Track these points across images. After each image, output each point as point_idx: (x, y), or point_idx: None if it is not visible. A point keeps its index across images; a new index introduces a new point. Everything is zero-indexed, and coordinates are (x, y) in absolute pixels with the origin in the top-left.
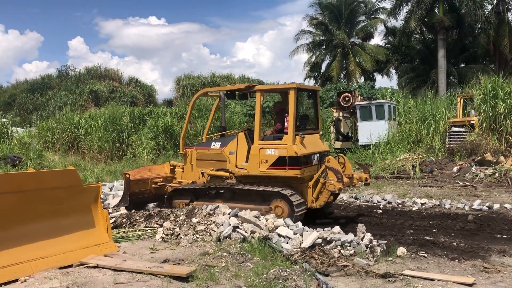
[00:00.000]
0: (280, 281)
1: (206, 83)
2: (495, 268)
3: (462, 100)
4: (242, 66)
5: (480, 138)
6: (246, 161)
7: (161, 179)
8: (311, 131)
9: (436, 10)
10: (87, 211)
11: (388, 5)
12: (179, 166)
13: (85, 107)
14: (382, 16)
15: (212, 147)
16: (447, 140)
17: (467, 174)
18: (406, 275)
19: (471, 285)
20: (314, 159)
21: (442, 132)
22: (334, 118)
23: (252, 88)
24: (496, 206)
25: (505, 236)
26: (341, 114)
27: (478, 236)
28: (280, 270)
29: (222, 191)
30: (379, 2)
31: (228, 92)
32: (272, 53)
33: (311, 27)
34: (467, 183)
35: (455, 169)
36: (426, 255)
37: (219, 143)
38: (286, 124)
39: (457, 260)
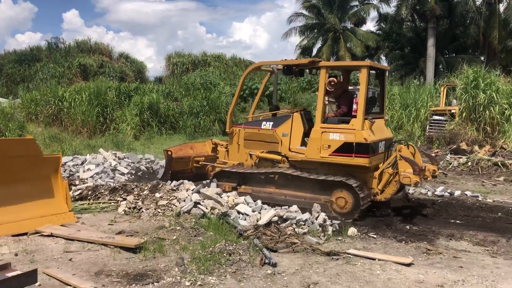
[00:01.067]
0: (225, 254)
1: (197, 62)
2: (437, 250)
3: (445, 89)
4: (239, 47)
5: (459, 128)
6: (301, 145)
7: (203, 158)
8: (377, 116)
9: None
10: (46, 181)
11: None
12: (222, 145)
13: (73, 80)
14: (375, 2)
15: (262, 127)
16: (427, 128)
17: (441, 161)
18: (349, 254)
19: (408, 265)
20: (380, 147)
21: (423, 120)
22: None
23: (315, 63)
24: (457, 192)
25: (458, 221)
26: (327, 98)
27: (433, 221)
28: (227, 244)
29: (276, 176)
30: None
31: (285, 67)
32: (269, 35)
33: (304, 9)
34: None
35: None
36: (375, 236)
37: (271, 123)
38: (355, 106)
39: (403, 242)
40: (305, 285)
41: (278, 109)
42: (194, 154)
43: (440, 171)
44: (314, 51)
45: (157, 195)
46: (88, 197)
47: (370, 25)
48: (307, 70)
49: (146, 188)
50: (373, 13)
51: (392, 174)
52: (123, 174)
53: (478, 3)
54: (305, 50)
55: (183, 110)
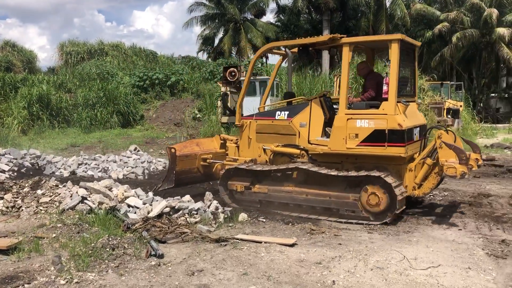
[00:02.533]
0: (107, 249)
1: (93, 51)
2: (321, 230)
3: (338, 79)
4: (140, 36)
5: None
6: (322, 135)
7: (211, 156)
8: (409, 99)
9: None
10: None
11: None
12: (231, 141)
13: None
14: None
15: (277, 118)
16: None
17: None
18: (237, 239)
19: (292, 245)
20: (415, 134)
21: None
22: (221, 93)
23: (336, 40)
24: None
25: None
26: (228, 89)
27: None
28: (110, 239)
29: (295, 173)
30: None
31: (300, 48)
32: (172, 24)
33: None
34: None
35: None
36: (264, 220)
37: (286, 113)
38: (386, 87)
39: (290, 224)
40: (190, 273)
41: (293, 96)
42: (201, 151)
43: None
44: (216, 41)
45: (39, 192)
46: None
47: (270, 17)
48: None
49: (26, 185)
50: (272, 5)
51: (431, 165)
52: (3, 171)
53: None
54: (206, 40)
55: (77, 102)
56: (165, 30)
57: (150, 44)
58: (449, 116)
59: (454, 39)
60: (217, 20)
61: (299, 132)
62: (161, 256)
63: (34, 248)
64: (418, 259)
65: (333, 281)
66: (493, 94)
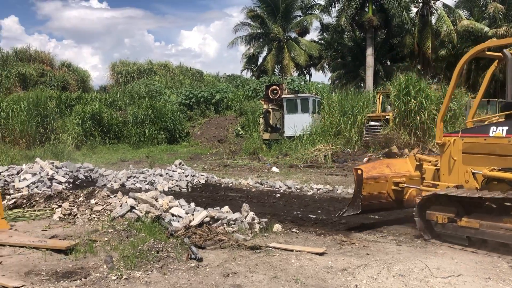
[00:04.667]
0: (153, 251)
1: (143, 70)
2: (351, 241)
3: (381, 96)
4: (188, 55)
5: (393, 132)
6: None
7: (404, 179)
8: None
9: (367, 9)
10: None
11: (323, 2)
12: (429, 162)
13: (12, 90)
14: (318, 12)
15: (491, 135)
16: (364, 133)
17: None
18: (270, 247)
19: (321, 254)
20: None
21: (360, 126)
22: (263, 110)
23: None
24: None
25: (377, 217)
26: (270, 106)
27: (354, 217)
28: (155, 243)
29: None
30: None
31: None
32: (218, 43)
33: (249, 19)
34: None
35: (364, 160)
36: (297, 231)
37: (505, 128)
38: None
39: (322, 235)
40: (225, 274)
41: None
42: (392, 174)
43: None
44: (260, 59)
45: (93, 201)
46: (23, 206)
47: (313, 35)
48: None
49: (81, 195)
50: (316, 23)
51: None
52: (60, 183)
53: (412, 15)
54: (250, 59)
55: (127, 119)
56: (211, 49)
57: (196, 63)
58: None
59: None
60: (261, 39)
61: None
62: (200, 260)
63: (89, 250)
64: (440, 268)
65: (356, 286)
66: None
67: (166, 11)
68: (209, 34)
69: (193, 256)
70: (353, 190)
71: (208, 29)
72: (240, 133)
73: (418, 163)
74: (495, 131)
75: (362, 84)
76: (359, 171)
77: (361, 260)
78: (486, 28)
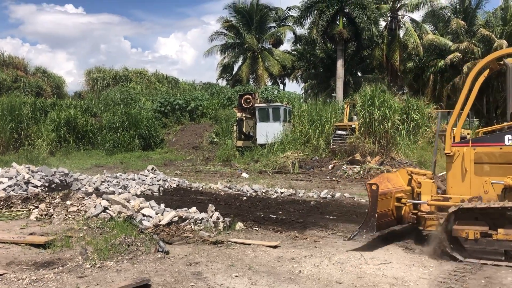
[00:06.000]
0: (124, 245)
1: (118, 77)
2: (303, 237)
3: (348, 106)
4: (165, 62)
5: (358, 141)
6: None
7: (402, 194)
8: None
9: (338, 22)
10: None
11: (296, 14)
12: (424, 175)
13: None
14: (291, 24)
15: (508, 143)
16: (331, 142)
17: (338, 171)
18: (231, 241)
19: (275, 247)
20: None
21: (327, 134)
22: (237, 118)
23: None
24: (338, 194)
25: (331, 217)
26: (243, 114)
27: (311, 217)
28: (126, 238)
29: None
30: (289, 10)
31: None
32: (195, 51)
33: (224, 29)
34: (333, 178)
35: (330, 166)
36: (258, 229)
37: None
38: None
39: (279, 232)
40: (188, 264)
41: None
42: (395, 189)
43: (334, 179)
44: (235, 69)
45: (68, 202)
46: (0, 207)
47: (287, 46)
48: None
49: (57, 196)
50: (290, 34)
51: None
52: (36, 186)
53: (381, 28)
54: (226, 68)
55: (102, 126)
56: (188, 56)
57: (173, 70)
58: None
59: (465, 68)
60: (236, 49)
61: None
62: (166, 253)
63: (65, 244)
64: (375, 258)
65: (299, 271)
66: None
67: (143, 18)
68: (187, 42)
69: (160, 249)
70: (367, 208)
71: (186, 37)
72: (215, 140)
73: (409, 177)
74: (511, 139)
75: (333, 94)
76: (374, 187)
77: (309, 252)
78: (450, 43)
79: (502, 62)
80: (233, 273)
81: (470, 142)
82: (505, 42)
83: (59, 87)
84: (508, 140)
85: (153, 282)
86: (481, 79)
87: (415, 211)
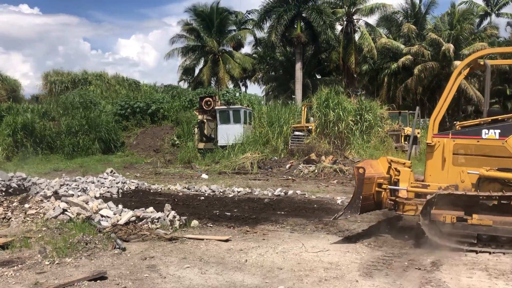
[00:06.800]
0: (82, 243)
1: (77, 80)
2: (254, 231)
3: (305, 108)
4: (126, 64)
5: (315, 141)
6: None
7: (385, 181)
8: None
9: (296, 26)
10: None
11: (256, 17)
12: (403, 164)
13: None
14: (251, 27)
15: (484, 137)
16: (290, 142)
17: (295, 170)
18: (185, 237)
19: (226, 240)
20: None
21: (286, 135)
22: (198, 121)
23: None
24: (290, 192)
25: (283, 212)
26: (204, 117)
27: (264, 213)
28: (84, 236)
29: None
30: (249, 14)
31: None
32: (157, 52)
33: (185, 32)
34: (289, 177)
35: (287, 166)
36: (212, 226)
37: (498, 131)
38: None
39: (232, 227)
40: (143, 258)
41: (501, 113)
42: (377, 175)
43: (290, 178)
44: (197, 71)
45: (27, 205)
46: None
47: (248, 49)
48: None
49: (15, 200)
50: (250, 38)
51: None
52: None
53: (337, 32)
54: (187, 71)
55: (60, 130)
56: (150, 58)
57: (135, 71)
58: (406, 142)
59: (416, 71)
60: (197, 52)
61: None
62: (123, 249)
63: (24, 244)
64: (315, 247)
65: (246, 260)
66: (455, 122)
67: (102, 19)
68: (148, 43)
69: (117, 246)
70: (354, 191)
71: (147, 38)
72: (176, 142)
73: (389, 165)
74: (488, 134)
75: (293, 96)
76: (361, 170)
77: (257, 244)
78: (402, 46)
79: (482, 62)
80: (185, 264)
81: (450, 134)
82: (451, 46)
83: (14, 91)
84: (485, 134)
85: (109, 275)
86: (461, 77)
87: (393, 197)
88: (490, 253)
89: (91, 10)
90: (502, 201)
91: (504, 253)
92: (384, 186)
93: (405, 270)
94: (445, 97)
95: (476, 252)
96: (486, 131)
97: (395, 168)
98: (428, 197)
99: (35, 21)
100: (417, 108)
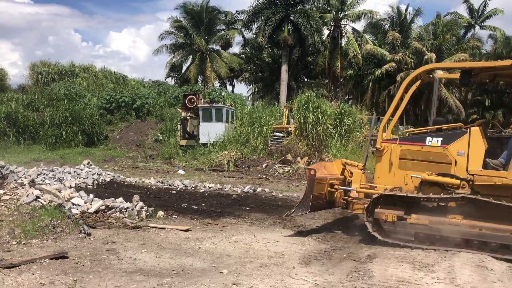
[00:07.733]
0: (50, 227)
1: (64, 72)
2: (215, 223)
3: (287, 110)
4: (116, 58)
5: (293, 143)
6: (484, 166)
7: (337, 182)
8: None
9: (283, 29)
10: None
11: (245, 18)
12: (356, 166)
13: None
14: (239, 28)
15: (428, 144)
16: (269, 143)
17: (271, 170)
18: (148, 226)
19: (186, 230)
20: None
21: (266, 136)
22: (181, 118)
23: None
24: (259, 189)
25: (247, 208)
26: (188, 114)
27: (230, 208)
28: (53, 221)
29: (462, 203)
30: (238, 14)
31: (464, 74)
32: (149, 47)
33: (174, 29)
34: (264, 176)
35: (263, 166)
36: (176, 217)
37: (440, 139)
38: None
39: (195, 219)
40: (105, 242)
41: (445, 122)
42: (329, 176)
43: (264, 176)
44: (184, 68)
45: (1, 191)
46: None
47: (236, 48)
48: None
49: None
50: (239, 38)
51: None
52: None
53: (323, 37)
54: (174, 67)
55: (44, 121)
56: (141, 52)
57: (125, 65)
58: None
59: (398, 78)
60: (185, 49)
61: (455, 161)
62: (88, 234)
63: None
64: (266, 238)
65: (199, 247)
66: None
67: (95, 11)
68: (140, 38)
69: (83, 231)
70: (305, 190)
71: (139, 32)
72: (159, 138)
73: (343, 167)
74: (432, 141)
75: (277, 98)
76: (312, 172)
77: (214, 234)
78: (387, 53)
79: (431, 75)
80: (143, 249)
81: (397, 140)
82: (433, 55)
83: (1, 80)
84: (428, 141)
85: (71, 255)
86: (413, 88)
87: (345, 197)
88: (423, 249)
89: (83, 1)
90: (440, 203)
91: (435, 250)
92: (336, 186)
93: (341, 261)
94: (394, 106)
95: (411, 248)
96: (430, 138)
97: (349, 170)
98: (373, 196)
99: (26, 10)
100: (374, 113)
